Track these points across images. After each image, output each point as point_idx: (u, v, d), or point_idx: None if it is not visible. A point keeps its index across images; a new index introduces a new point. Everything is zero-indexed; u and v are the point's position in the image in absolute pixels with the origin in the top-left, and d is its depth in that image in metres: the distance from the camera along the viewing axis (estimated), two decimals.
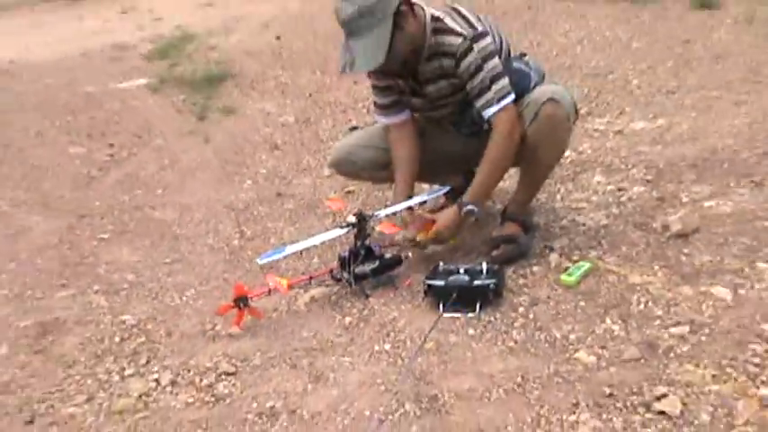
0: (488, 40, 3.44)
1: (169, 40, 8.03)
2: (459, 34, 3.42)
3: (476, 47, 3.40)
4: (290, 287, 3.50)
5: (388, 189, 4.32)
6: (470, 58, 3.41)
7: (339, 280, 3.57)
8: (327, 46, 7.14)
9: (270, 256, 3.62)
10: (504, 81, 3.43)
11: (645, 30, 6.84)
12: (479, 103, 3.45)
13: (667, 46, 6.40)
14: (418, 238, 3.57)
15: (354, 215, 3.56)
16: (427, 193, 3.96)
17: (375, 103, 3.80)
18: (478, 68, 3.41)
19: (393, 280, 3.60)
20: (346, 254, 3.54)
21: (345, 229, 3.58)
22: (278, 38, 7.80)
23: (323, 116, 5.77)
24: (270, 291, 3.43)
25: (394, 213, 3.68)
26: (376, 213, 3.62)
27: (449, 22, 3.47)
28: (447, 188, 3.86)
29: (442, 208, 3.95)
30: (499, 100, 3.42)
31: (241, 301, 3.34)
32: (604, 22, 7.13)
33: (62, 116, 6.26)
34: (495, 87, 3.42)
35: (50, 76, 7.31)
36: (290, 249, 3.64)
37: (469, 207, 3.50)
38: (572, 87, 5.58)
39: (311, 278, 3.58)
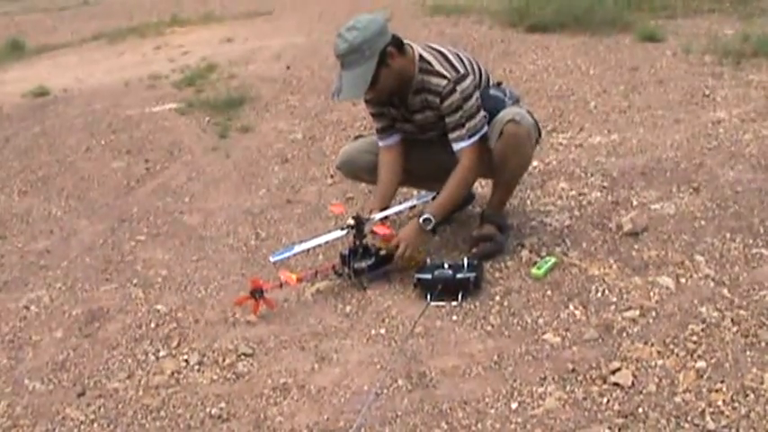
0: (469, 80, 3.44)
1: (196, 71, 8.00)
2: (444, 76, 3.43)
3: (458, 88, 3.41)
4: (299, 281, 3.48)
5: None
6: (453, 98, 3.42)
7: (341, 274, 3.55)
8: (330, 74, 7.10)
9: (281, 255, 3.61)
10: (477, 119, 3.46)
11: (600, 59, 6.84)
12: (452, 135, 3.48)
13: (619, 73, 6.40)
14: (383, 252, 3.54)
15: (353, 218, 3.54)
16: (416, 198, 3.96)
17: (375, 129, 3.78)
18: (458, 108, 3.42)
19: (387, 274, 3.57)
20: (347, 252, 3.52)
21: (345, 231, 3.57)
22: (288, 67, 7.78)
23: (326, 133, 5.75)
24: (281, 284, 3.42)
25: (386, 217, 3.66)
26: (371, 217, 3.60)
27: (435, 63, 3.47)
28: (433, 194, 3.83)
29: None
30: (469, 137, 3.45)
31: (257, 293, 3.33)
32: (566, 53, 7.12)
33: (106, 135, 6.24)
34: (468, 125, 3.44)
35: (97, 101, 7.29)
36: (297, 248, 3.63)
37: (426, 216, 3.49)
38: (539, 108, 5.58)
39: (317, 273, 3.56)
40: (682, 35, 7.34)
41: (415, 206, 3.94)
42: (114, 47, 10.59)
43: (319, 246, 3.74)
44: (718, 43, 6.78)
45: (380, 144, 3.76)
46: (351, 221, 3.54)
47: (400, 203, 3.82)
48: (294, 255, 3.68)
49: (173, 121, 6.42)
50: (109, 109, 6.97)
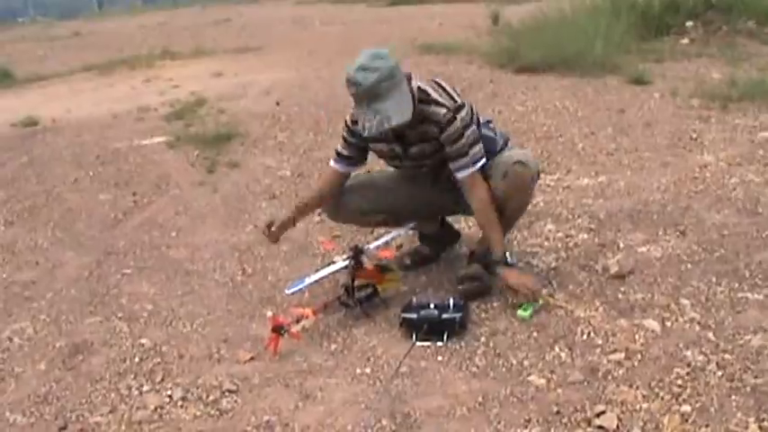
0: (466, 109, 3.45)
1: (185, 104, 8.02)
2: (444, 105, 3.42)
3: (458, 117, 3.41)
4: (314, 314, 3.48)
5: (369, 233, 4.33)
6: (453, 127, 3.41)
7: (348, 305, 3.57)
8: (319, 111, 7.15)
9: (296, 287, 3.65)
10: (478, 146, 3.46)
11: (588, 101, 6.90)
12: (456, 164, 3.46)
13: (607, 115, 6.46)
14: (381, 288, 3.63)
15: (351, 249, 3.61)
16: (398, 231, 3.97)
17: (336, 150, 3.74)
18: (460, 136, 3.41)
19: (386, 302, 3.61)
20: (350, 282, 3.55)
21: (346, 261, 3.61)
22: (277, 103, 7.80)
23: (314, 170, 5.75)
24: (299, 319, 3.42)
25: (386, 243, 3.78)
26: (368, 246, 3.70)
27: (432, 93, 3.46)
28: (411, 224, 3.89)
29: (417, 251, 4.03)
30: (474, 164, 3.45)
31: (281, 329, 3.31)
32: (555, 94, 7.18)
33: (94, 167, 6.24)
34: (471, 152, 3.44)
35: (86, 133, 7.30)
36: (308, 280, 3.65)
37: (497, 258, 3.54)
38: (527, 149, 5.62)
39: (325, 306, 3.57)
40: (669, 78, 7.43)
41: (399, 235, 3.98)
42: (104, 78, 10.61)
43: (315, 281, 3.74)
44: (706, 87, 6.87)
45: (332, 164, 3.74)
46: (350, 252, 3.60)
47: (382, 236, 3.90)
48: (307, 286, 3.69)
49: (161, 155, 6.43)
50: (97, 140, 6.97)
